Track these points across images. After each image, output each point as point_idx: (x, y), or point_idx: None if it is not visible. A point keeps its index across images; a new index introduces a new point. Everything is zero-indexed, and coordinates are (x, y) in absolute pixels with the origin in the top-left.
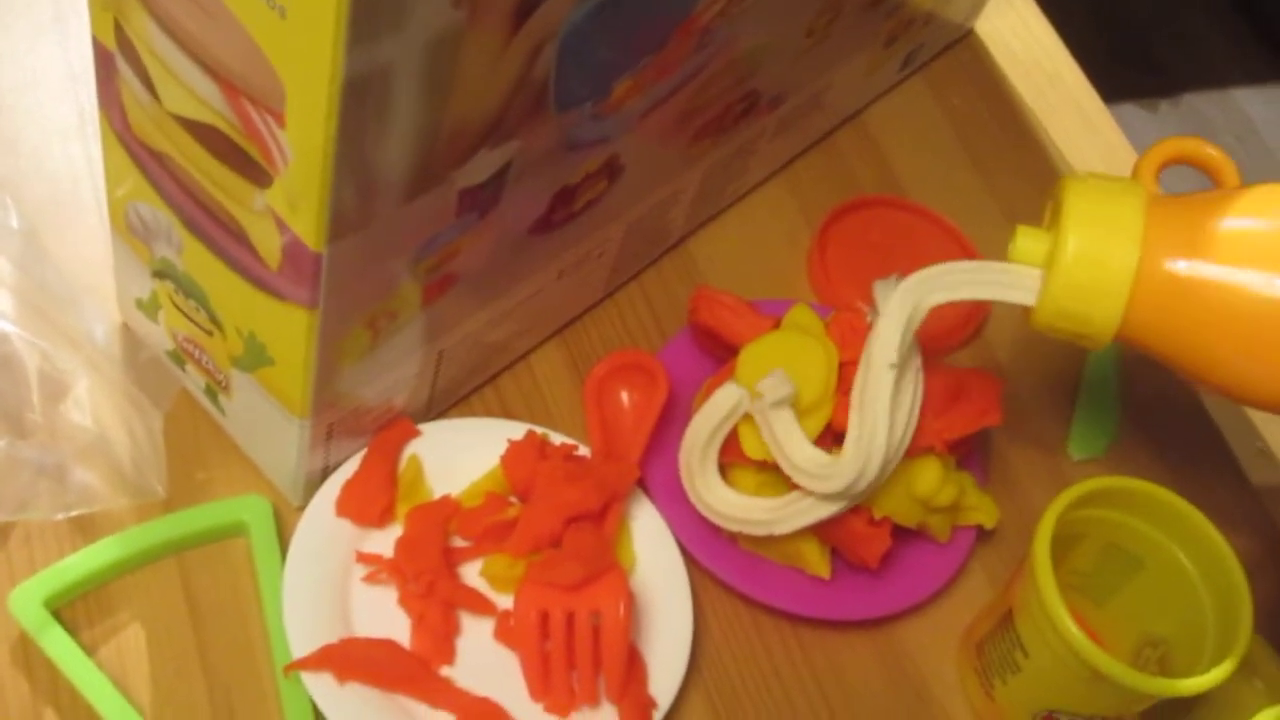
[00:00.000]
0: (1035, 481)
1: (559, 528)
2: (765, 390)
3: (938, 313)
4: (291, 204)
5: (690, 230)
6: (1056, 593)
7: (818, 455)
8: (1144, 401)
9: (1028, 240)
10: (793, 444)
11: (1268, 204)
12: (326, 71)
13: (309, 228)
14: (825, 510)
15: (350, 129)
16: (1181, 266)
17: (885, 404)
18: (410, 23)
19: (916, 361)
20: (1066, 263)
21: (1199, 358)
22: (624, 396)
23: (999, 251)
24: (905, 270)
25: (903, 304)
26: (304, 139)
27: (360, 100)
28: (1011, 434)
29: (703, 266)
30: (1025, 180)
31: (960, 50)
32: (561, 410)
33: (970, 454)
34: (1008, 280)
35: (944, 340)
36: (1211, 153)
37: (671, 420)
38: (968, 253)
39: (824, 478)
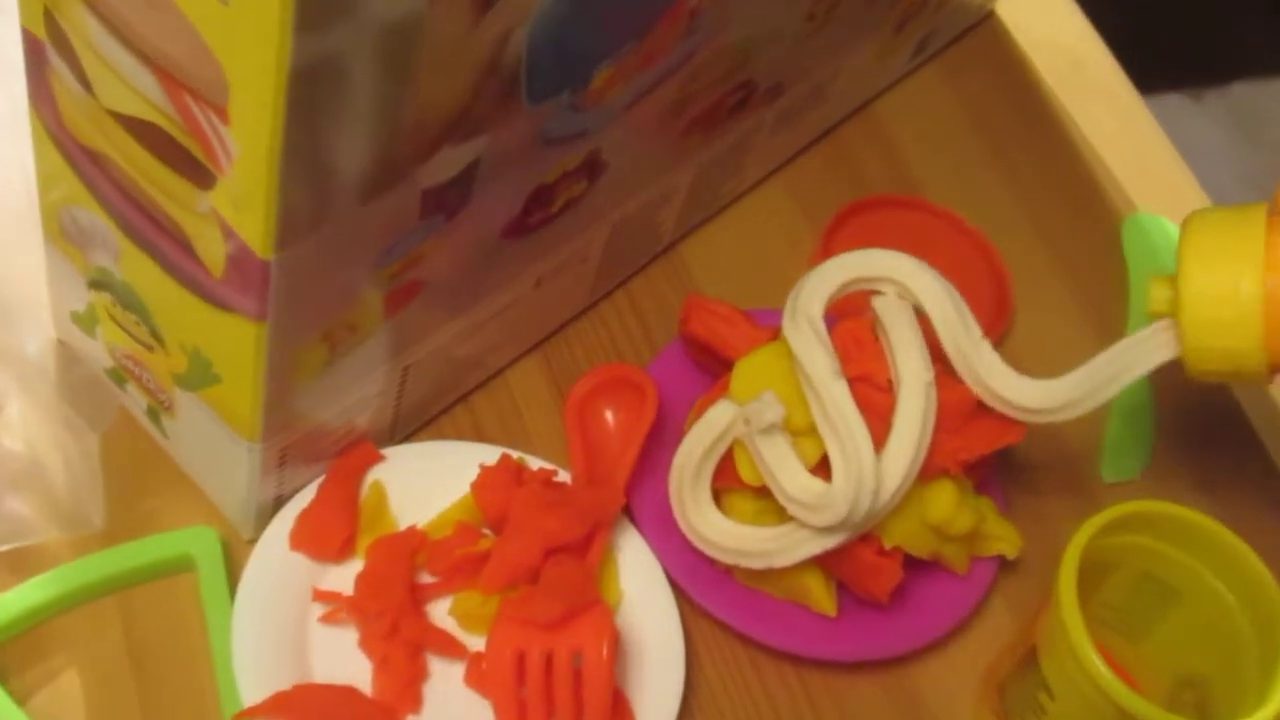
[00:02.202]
0: (1063, 507)
1: (536, 560)
2: (752, 415)
3: None
4: (237, 206)
5: (682, 234)
6: (1084, 628)
7: (812, 484)
8: (1182, 419)
9: (1162, 290)
10: (785, 472)
11: None
12: (272, 61)
13: (256, 232)
14: (828, 541)
15: (299, 124)
16: None
17: (853, 413)
18: (364, 7)
19: (928, 375)
20: (1189, 303)
21: None
22: (609, 416)
23: (1021, 254)
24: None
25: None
26: (249, 135)
27: (310, 92)
28: (1037, 455)
29: (696, 273)
30: (1050, 177)
31: (979, 35)
32: (541, 432)
33: (990, 477)
34: (1142, 349)
35: None
36: None
37: (661, 442)
38: (988, 257)
39: (819, 509)
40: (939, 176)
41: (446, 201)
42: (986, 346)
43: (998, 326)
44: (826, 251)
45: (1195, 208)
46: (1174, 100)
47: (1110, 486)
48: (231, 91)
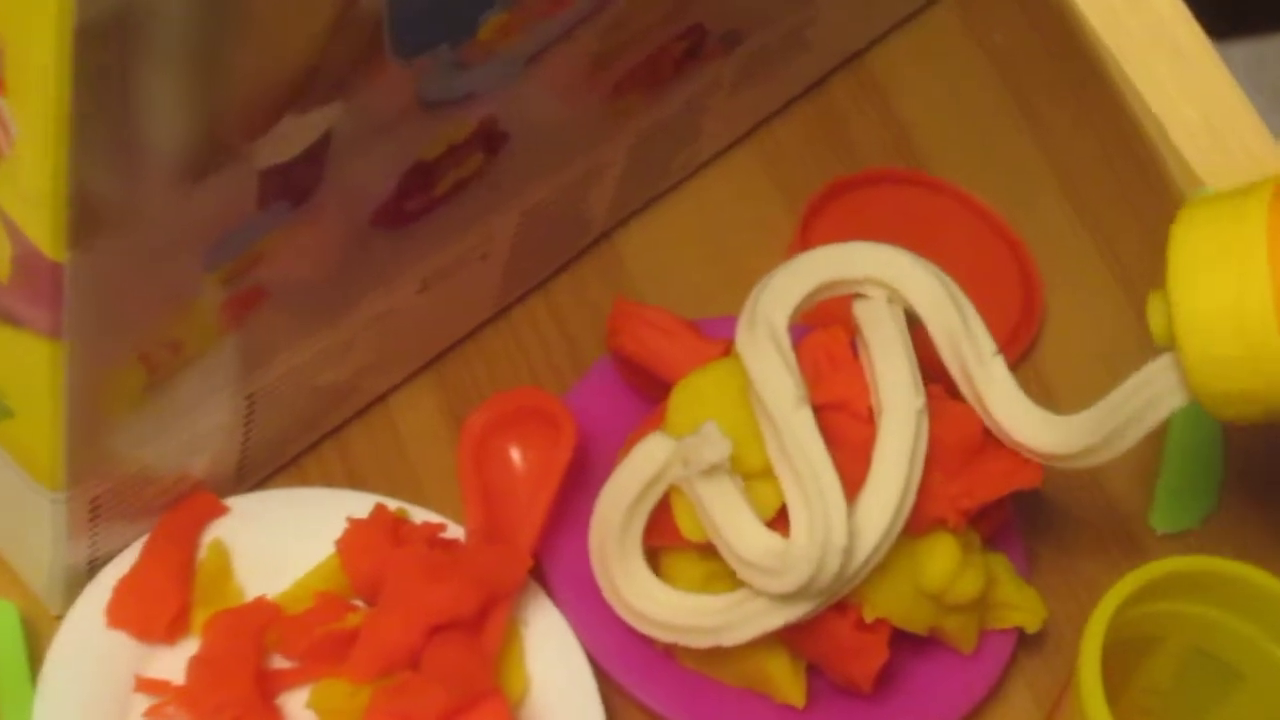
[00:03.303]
0: (1103, 567)
1: (417, 641)
2: (690, 453)
3: None
4: (21, 196)
5: (619, 221)
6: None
7: (767, 541)
8: (1259, 454)
9: (1155, 314)
10: (734, 526)
11: None
12: (52, 12)
13: (44, 227)
14: (790, 612)
15: (92, 90)
16: None
17: (818, 449)
18: None
19: (919, 401)
20: (1183, 333)
21: None
22: (515, 455)
23: (1054, 244)
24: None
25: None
26: (30, 107)
27: (102, 52)
28: (1070, 500)
29: (636, 272)
30: (1094, 147)
31: None
32: (432, 476)
33: (1006, 529)
34: (1153, 390)
35: None
36: None
37: (585, 488)
38: (1011, 245)
39: (777, 571)
40: (951, 146)
41: (292, 185)
42: (999, 366)
43: (1023, 336)
44: (805, 242)
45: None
46: (1253, 50)
47: (1164, 540)
48: (7, 53)
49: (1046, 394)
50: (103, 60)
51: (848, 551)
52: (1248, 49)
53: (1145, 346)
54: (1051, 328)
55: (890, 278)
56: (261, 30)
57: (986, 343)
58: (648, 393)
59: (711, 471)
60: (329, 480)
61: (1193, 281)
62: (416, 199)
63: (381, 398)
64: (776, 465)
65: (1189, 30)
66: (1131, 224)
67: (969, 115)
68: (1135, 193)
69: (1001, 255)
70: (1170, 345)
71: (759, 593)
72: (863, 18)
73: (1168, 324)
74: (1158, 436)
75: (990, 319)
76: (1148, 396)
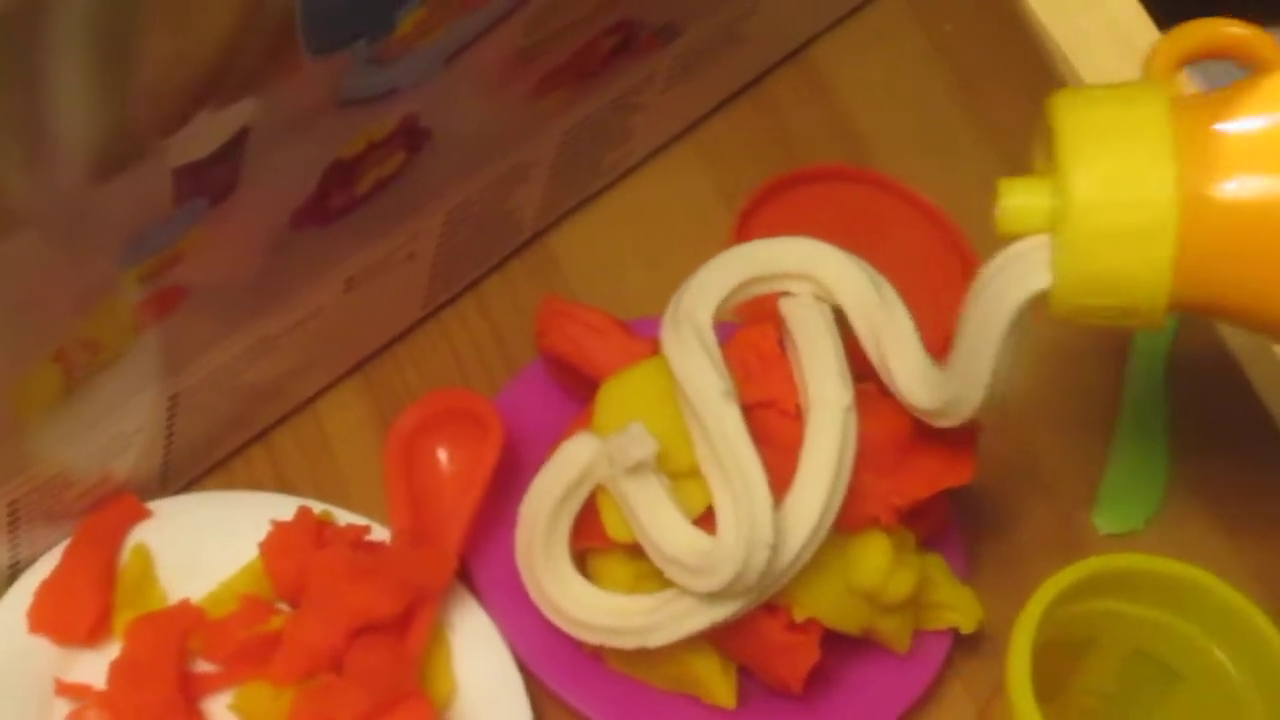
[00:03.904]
0: (1045, 570)
1: (340, 642)
2: (615, 452)
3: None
4: None
5: (551, 221)
6: None
7: (695, 540)
8: (1202, 461)
9: (1019, 196)
10: (660, 525)
11: None
12: None
13: None
14: (718, 612)
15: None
16: (1244, 183)
17: (744, 445)
18: None
19: (847, 398)
20: (1078, 209)
21: None
22: (442, 457)
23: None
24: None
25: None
26: None
27: (8, 42)
28: (1012, 499)
29: (570, 272)
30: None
31: None
32: (360, 479)
33: (942, 529)
34: (1005, 279)
35: None
36: (1238, 33)
37: (514, 490)
38: (951, 238)
39: (703, 570)
40: (896, 139)
41: (208, 183)
42: (914, 345)
43: None
44: (744, 236)
45: None
46: None
47: (1108, 541)
48: None
49: None
50: (8, 51)
51: (775, 548)
52: None
53: (1088, 335)
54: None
55: (813, 271)
56: (170, 22)
57: (904, 322)
58: (579, 394)
59: (637, 470)
60: (256, 483)
61: (1096, 157)
62: (338, 197)
63: (309, 401)
64: (703, 462)
65: (1139, 23)
66: None
67: (915, 107)
68: None
69: (943, 250)
70: (1035, 229)
71: (686, 592)
72: (803, 11)
73: (1031, 208)
74: (1103, 437)
75: (929, 311)
76: (997, 291)
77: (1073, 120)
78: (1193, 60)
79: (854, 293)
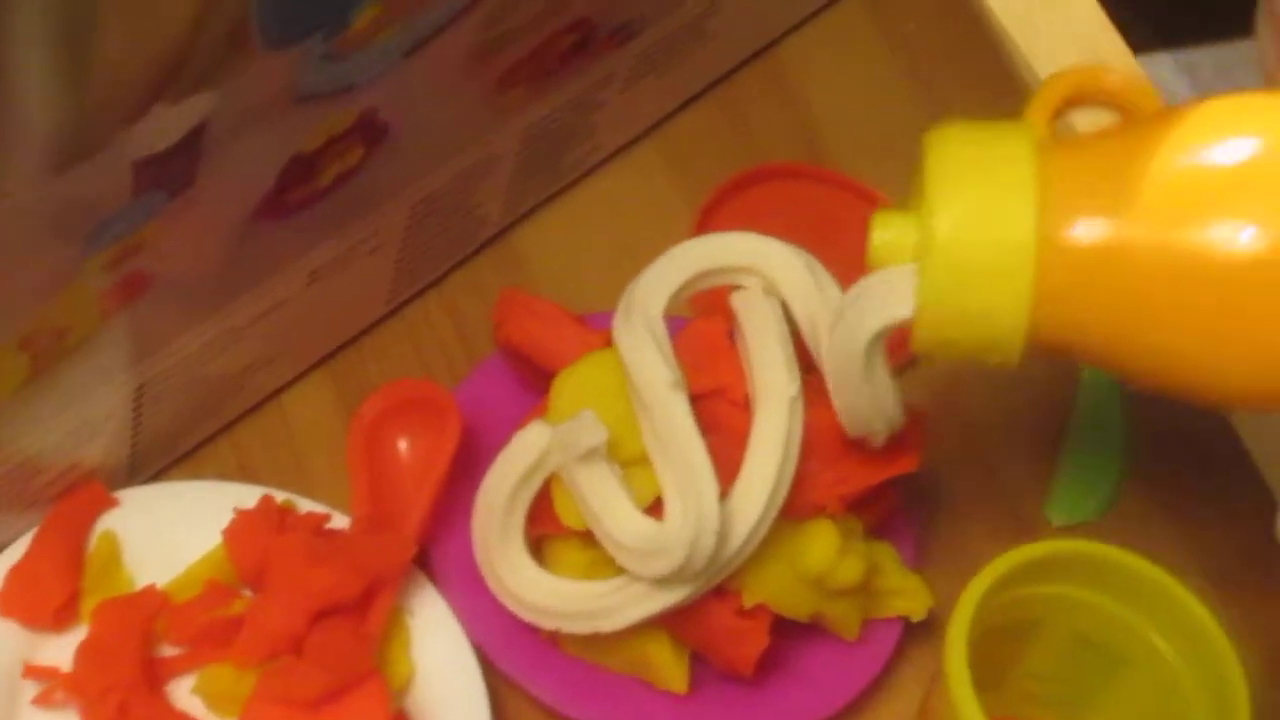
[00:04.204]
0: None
1: (300, 626)
2: (567, 439)
3: None
4: None
5: (515, 217)
6: (976, 708)
7: (644, 526)
8: (1156, 453)
9: (888, 230)
10: (610, 511)
11: (1213, 126)
12: None
13: None
14: (668, 597)
15: None
16: (1101, 227)
17: (691, 433)
18: None
19: (793, 389)
20: (940, 244)
21: (1144, 349)
22: (403, 446)
23: None
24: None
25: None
26: None
27: None
28: (965, 489)
29: (534, 267)
30: None
31: None
32: (324, 470)
33: (895, 518)
34: (878, 296)
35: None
36: (1116, 80)
37: (474, 479)
38: None
39: (651, 555)
40: (857, 138)
41: (167, 175)
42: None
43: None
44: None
45: None
46: (1165, 63)
47: (1061, 532)
48: None
49: (948, 387)
50: None
51: (721, 535)
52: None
53: None
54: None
55: (757, 265)
56: (127, 14)
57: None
58: (536, 386)
59: (588, 458)
60: (222, 474)
61: (961, 193)
62: (298, 191)
63: (275, 393)
64: (651, 450)
65: (1098, 25)
66: None
67: (876, 107)
68: None
69: None
70: (899, 260)
71: (636, 578)
72: (766, 11)
73: (897, 241)
74: (1057, 428)
75: None
76: (859, 313)
77: (941, 156)
78: (1073, 106)
79: (792, 283)
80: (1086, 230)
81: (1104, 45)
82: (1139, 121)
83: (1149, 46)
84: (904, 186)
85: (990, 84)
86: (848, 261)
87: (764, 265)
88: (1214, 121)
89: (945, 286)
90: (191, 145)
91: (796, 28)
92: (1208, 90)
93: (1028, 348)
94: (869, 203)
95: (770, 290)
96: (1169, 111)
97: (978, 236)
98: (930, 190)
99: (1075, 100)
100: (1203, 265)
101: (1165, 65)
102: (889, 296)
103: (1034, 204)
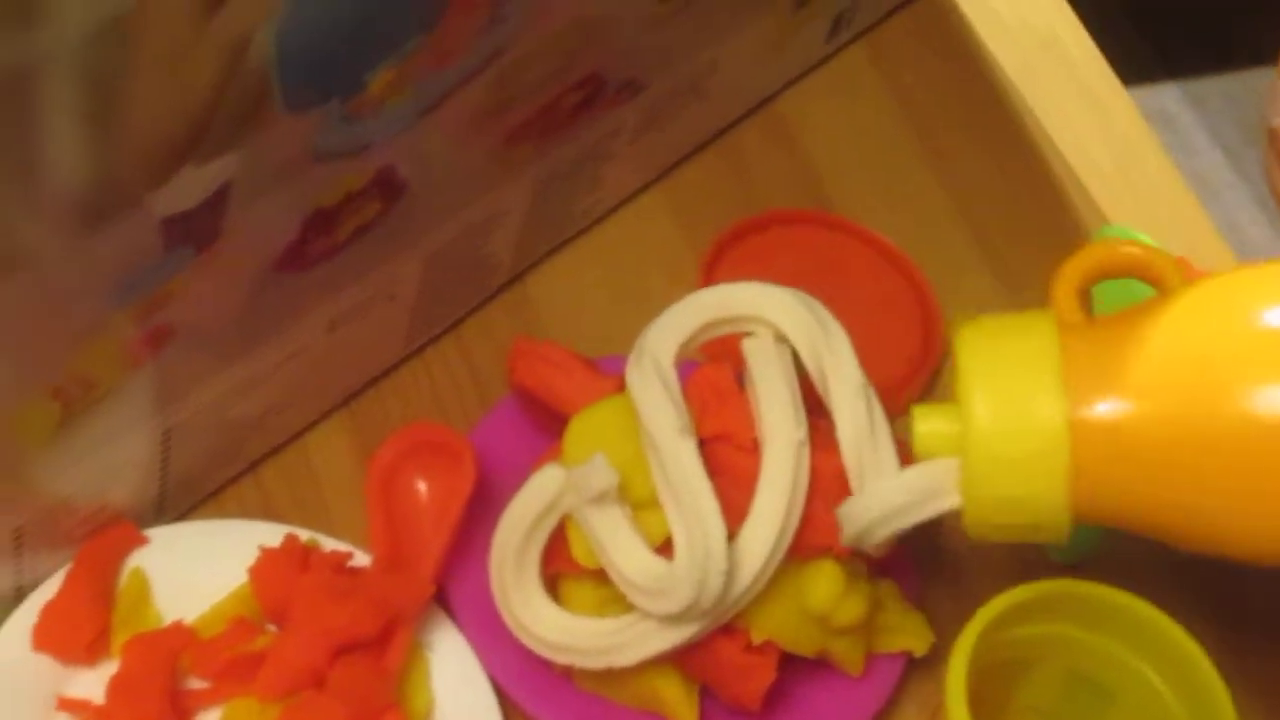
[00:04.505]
0: (997, 594)
1: (321, 661)
2: (579, 482)
3: (870, 366)
4: None
5: (527, 265)
6: None
7: (654, 565)
8: None
9: (931, 422)
10: (621, 551)
11: (1210, 303)
12: None
13: None
14: (678, 634)
15: None
16: (1122, 406)
17: (698, 476)
18: (59, 14)
19: (800, 433)
20: (977, 436)
21: (1181, 517)
22: (421, 487)
23: (963, 288)
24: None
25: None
26: None
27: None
28: (963, 530)
29: (545, 314)
30: (1003, 188)
31: (916, 9)
32: (344, 510)
33: (896, 556)
34: (927, 490)
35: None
36: (1135, 253)
37: (489, 518)
38: (913, 282)
39: (660, 594)
40: (858, 186)
41: (194, 231)
42: (860, 404)
43: (921, 373)
44: (708, 283)
45: (1193, 231)
46: (1173, 93)
47: (1061, 571)
48: None
49: None
50: (2, 105)
51: (729, 574)
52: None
53: None
54: (952, 365)
55: (762, 313)
56: (154, 83)
57: (853, 374)
58: (549, 428)
59: (600, 500)
60: (247, 513)
61: (992, 389)
62: (319, 244)
63: (298, 435)
64: (660, 492)
65: (1097, 69)
66: (1036, 263)
67: (876, 155)
68: (1040, 230)
69: (903, 292)
70: (942, 454)
71: (647, 615)
72: (765, 66)
73: (941, 433)
74: None
75: (890, 355)
76: (910, 503)
77: (971, 351)
78: (1095, 282)
79: (795, 327)
80: (1109, 410)
81: (1103, 89)
82: (1150, 301)
83: (1156, 77)
84: (900, 228)
85: (989, 132)
86: (851, 304)
87: (766, 313)
88: (1211, 298)
89: (987, 476)
90: (217, 202)
91: (795, 80)
92: (1216, 122)
93: (1073, 522)
94: (871, 247)
95: (782, 337)
96: (1170, 293)
97: (1012, 426)
98: (962, 385)
99: (1098, 275)
100: (1214, 435)
101: (1172, 96)
102: (937, 490)
103: (1061, 391)
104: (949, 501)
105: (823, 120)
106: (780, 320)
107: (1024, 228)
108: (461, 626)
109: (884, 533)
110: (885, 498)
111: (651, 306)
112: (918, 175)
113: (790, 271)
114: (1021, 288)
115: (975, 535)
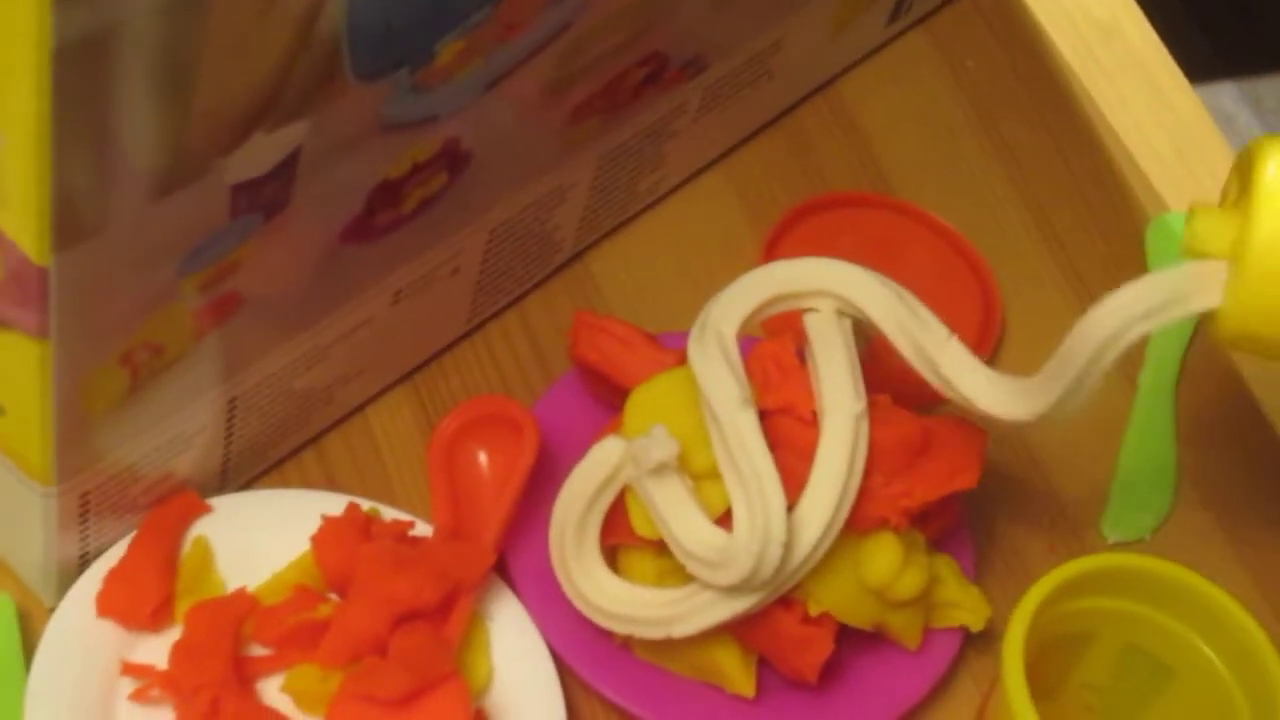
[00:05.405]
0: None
1: (383, 629)
2: (639, 453)
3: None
4: (8, 205)
5: (589, 242)
6: (1033, 715)
7: (713, 536)
8: (1210, 471)
9: (1208, 223)
10: (681, 522)
11: None
12: (32, 35)
13: (29, 232)
14: (737, 605)
15: (70, 108)
16: None
17: (759, 448)
18: None
19: (859, 406)
20: (1261, 244)
21: None
22: (482, 459)
23: (1022, 272)
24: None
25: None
26: (14, 122)
27: (79, 70)
28: (1022, 504)
29: (607, 290)
30: (1063, 174)
31: None
32: (406, 480)
33: (953, 531)
34: (1187, 286)
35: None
36: None
37: (550, 491)
38: (972, 265)
39: (720, 565)
40: (919, 169)
41: (263, 199)
42: (957, 347)
43: (980, 353)
44: (771, 257)
45: None
46: (1229, 91)
47: (1115, 548)
48: None
49: None
50: (79, 79)
51: (788, 546)
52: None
53: None
54: (1010, 346)
55: (837, 288)
56: (221, 59)
57: (940, 329)
58: (610, 402)
59: (660, 471)
60: (310, 484)
61: None
62: (384, 215)
63: (361, 407)
64: (721, 464)
65: (1159, 59)
66: (1095, 246)
67: (936, 140)
68: (1100, 216)
69: (963, 274)
70: (1214, 254)
71: (706, 586)
72: (827, 48)
73: (1226, 236)
74: (1113, 446)
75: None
76: (1165, 298)
77: (1274, 163)
78: None
79: (879, 305)
80: None
81: (1165, 79)
82: None
83: (1213, 75)
84: (960, 212)
85: (1050, 119)
86: (911, 287)
87: (837, 286)
88: None
89: (1260, 285)
90: (286, 170)
91: (857, 64)
92: (1273, 121)
93: None
94: (933, 231)
95: (845, 312)
96: None
97: None
98: (1257, 193)
99: None
100: None
101: (1228, 94)
102: (1199, 288)
103: None
104: (1209, 301)
105: (883, 104)
106: (855, 294)
107: (1084, 212)
108: (521, 597)
109: (1133, 336)
110: (1147, 292)
111: (712, 285)
112: (977, 160)
113: (851, 252)
114: (1081, 270)
115: (1227, 343)
